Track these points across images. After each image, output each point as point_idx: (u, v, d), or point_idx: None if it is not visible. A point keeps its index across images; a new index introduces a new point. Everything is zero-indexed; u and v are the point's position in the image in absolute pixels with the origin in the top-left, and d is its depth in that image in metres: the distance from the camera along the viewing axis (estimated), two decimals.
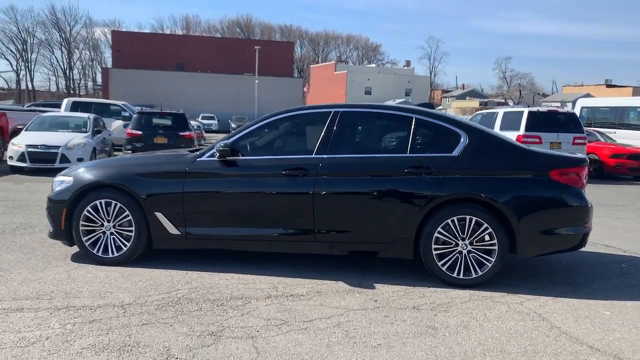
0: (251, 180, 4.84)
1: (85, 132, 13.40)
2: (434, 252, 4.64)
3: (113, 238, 4.95)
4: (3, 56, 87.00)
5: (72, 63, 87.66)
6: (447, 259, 4.64)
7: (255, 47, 48.95)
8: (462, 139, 4.79)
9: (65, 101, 18.13)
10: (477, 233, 4.59)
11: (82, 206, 4.94)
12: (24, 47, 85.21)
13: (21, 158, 12.20)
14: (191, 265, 4.95)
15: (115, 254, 4.95)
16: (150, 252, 5.06)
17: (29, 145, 12.25)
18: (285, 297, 4.24)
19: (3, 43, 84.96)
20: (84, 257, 5.03)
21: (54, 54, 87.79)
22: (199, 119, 45.14)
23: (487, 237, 4.58)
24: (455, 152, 4.74)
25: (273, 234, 4.83)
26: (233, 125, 45.74)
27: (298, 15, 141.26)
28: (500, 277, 4.88)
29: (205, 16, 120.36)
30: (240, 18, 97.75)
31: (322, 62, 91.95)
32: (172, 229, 4.88)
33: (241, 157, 4.90)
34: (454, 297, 4.40)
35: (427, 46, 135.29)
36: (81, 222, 4.96)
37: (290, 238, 4.82)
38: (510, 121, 14.82)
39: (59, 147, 12.32)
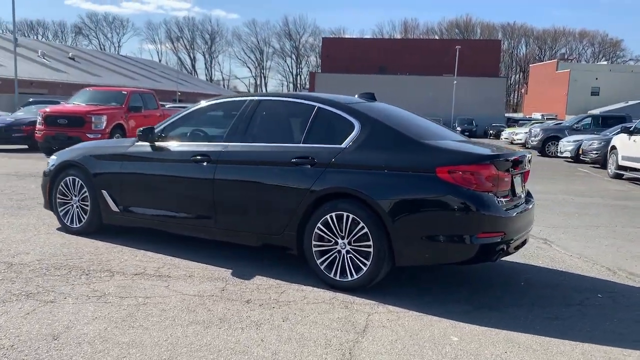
0: (169, 164, 5.11)
1: None
2: (314, 249, 4.36)
3: (77, 211, 5.69)
4: (245, 64, 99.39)
5: (300, 69, 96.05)
6: (326, 257, 4.32)
7: (456, 47, 47.75)
8: (354, 130, 4.39)
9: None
10: (355, 232, 4.17)
11: (58, 181, 5.78)
12: (261, 56, 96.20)
13: None
14: (135, 242, 5.39)
15: (77, 225, 5.68)
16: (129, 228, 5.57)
17: None
18: (151, 276, 4.43)
19: (245, 53, 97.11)
20: None
21: (285, 62, 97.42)
22: None
23: (364, 238, 4.14)
24: (344, 144, 4.36)
25: (184, 217, 5.04)
26: None
27: (523, 12, 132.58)
28: (405, 285, 4.39)
29: (424, 19, 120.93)
30: (459, 18, 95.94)
31: (549, 61, 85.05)
32: (113, 206, 5.42)
33: (163, 143, 5.20)
34: (310, 297, 4.09)
35: None
36: (58, 195, 5.80)
37: (197, 222, 4.97)
38: None
39: None
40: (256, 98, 5.01)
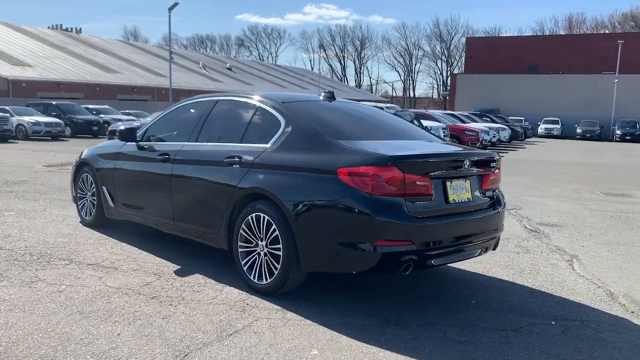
0: (144, 163, 5.35)
1: None
2: (240, 250, 4.30)
3: (89, 205, 6.23)
4: (394, 68, 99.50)
5: (451, 71, 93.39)
6: (248, 258, 4.23)
7: (618, 42, 42.93)
8: (280, 128, 4.24)
9: None
10: (269, 235, 4.04)
11: (77, 178, 6.39)
12: (410, 59, 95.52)
13: None
14: (130, 237, 5.77)
15: (89, 218, 6.22)
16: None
17: None
18: (101, 267, 4.69)
19: (394, 57, 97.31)
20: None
21: (436, 64, 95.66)
22: (541, 124, 42.69)
23: (277, 241, 3.99)
24: (269, 143, 4.24)
25: (153, 213, 5.26)
26: (579, 131, 41.61)
27: None
28: (335, 292, 4.16)
29: (592, 13, 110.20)
30: (635, 10, 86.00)
31: None
32: (110, 201, 5.84)
33: (141, 142, 5.47)
34: (220, 298, 4.04)
35: None
36: (77, 190, 6.41)
37: (162, 218, 5.14)
38: None
39: None
40: (214, 98, 5.07)
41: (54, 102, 27.90)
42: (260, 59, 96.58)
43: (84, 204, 6.31)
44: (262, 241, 4.12)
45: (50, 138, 23.53)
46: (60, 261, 4.83)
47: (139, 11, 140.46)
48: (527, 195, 10.34)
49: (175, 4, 33.79)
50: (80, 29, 59.64)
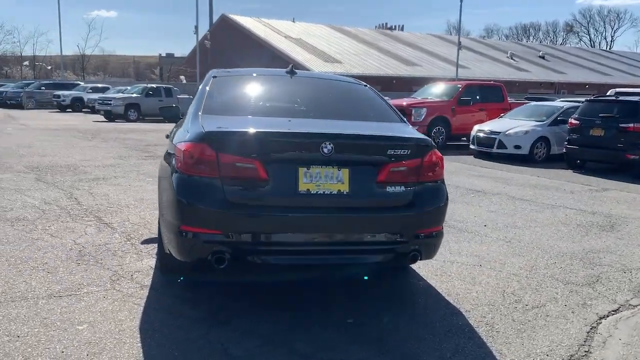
0: None
1: (543, 121, 13.13)
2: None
3: None
4: None
5: None
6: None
7: None
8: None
9: (610, 91, 17.03)
10: None
11: None
12: None
13: (472, 141, 13.64)
14: None
15: None
16: None
17: (479, 130, 13.49)
18: (105, 227, 5.27)
19: None
20: None
21: None
22: None
23: None
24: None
25: None
26: None
27: None
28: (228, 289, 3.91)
29: None
30: None
31: None
32: None
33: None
34: (123, 267, 4.16)
35: None
36: None
37: None
38: None
39: (499, 133, 12.91)
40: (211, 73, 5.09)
41: None
42: (591, 45, 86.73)
43: None
44: None
45: None
46: (89, 218, 5.60)
47: (463, 4, 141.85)
48: None
49: None
50: (403, 26, 63.62)
